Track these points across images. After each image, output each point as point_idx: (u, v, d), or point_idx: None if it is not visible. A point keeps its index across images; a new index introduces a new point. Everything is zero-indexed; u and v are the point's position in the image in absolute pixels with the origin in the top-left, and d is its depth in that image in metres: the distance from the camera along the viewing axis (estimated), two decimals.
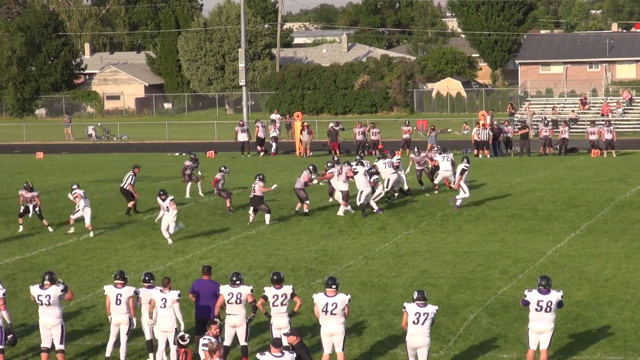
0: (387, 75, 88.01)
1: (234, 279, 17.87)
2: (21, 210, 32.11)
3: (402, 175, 36.01)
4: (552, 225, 30.73)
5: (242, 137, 56.25)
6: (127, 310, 18.10)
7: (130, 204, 34.13)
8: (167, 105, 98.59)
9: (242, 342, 17.93)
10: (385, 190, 35.26)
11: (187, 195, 38.12)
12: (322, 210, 34.15)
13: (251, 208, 32.29)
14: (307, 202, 33.38)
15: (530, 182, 40.62)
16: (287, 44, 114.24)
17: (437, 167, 36.76)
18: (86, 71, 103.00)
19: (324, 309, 17.04)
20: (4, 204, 37.66)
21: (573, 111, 66.03)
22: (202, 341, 16.28)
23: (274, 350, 14.76)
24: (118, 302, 18.09)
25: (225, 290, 17.84)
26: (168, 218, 29.06)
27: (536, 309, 17.07)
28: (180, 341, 16.44)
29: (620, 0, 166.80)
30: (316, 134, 59.77)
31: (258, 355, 14.82)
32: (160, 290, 17.87)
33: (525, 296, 17.22)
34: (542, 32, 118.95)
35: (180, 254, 27.70)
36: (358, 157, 37.06)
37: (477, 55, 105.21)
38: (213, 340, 15.87)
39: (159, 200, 29.86)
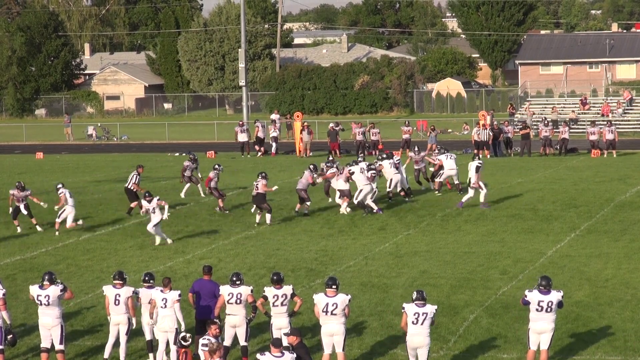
0: (387, 75, 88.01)
1: (234, 279, 17.87)
2: (10, 211, 32.22)
3: (404, 175, 36.03)
4: (552, 225, 30.73)
5: (242, 137, 56.26)
6: (125, 311, 18.10)
7: (133, 204, 34.13)
8: (167, 106, 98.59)
9: (242, 342, 17.93)
10: (387, 190, 35.33)
11: (182, 195, 38.10)
12: (322, 211, 34.15)
13: (254, 207, 32.29)
14: (308, 203, 33.36)
15: (530, 182, 40.62)
16: (287, 44, 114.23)
17: (441, 167, 36.65)
18: (86, 71, 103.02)
19: (324, 309, 17.04)
20: (4, 204, 37.64)
21: (573, 111, 66.04)
22: (201, 341, 16.28)
23: (274, 351, 14.76)
24: (117, 302, 18.09)
25: (225, 290, 17.84)
26: (154, 219, 28.70)
27: (537, 309, 17.07)
28: (182, 342, 16.43)
29: (620, 1, 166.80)
30: (316, 134, 59.76)
31: (258, 356, 14.82)
32: (161, 291, 17.87)
33: (525, 296, 17.22)
34: (542, 32, 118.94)
35: (180, 254, 27.70)
36: (359, 158, 37.04)
37: (477, 55, 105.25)
38: (213, 340, 15.87)
39: (144, 202, 28.83)
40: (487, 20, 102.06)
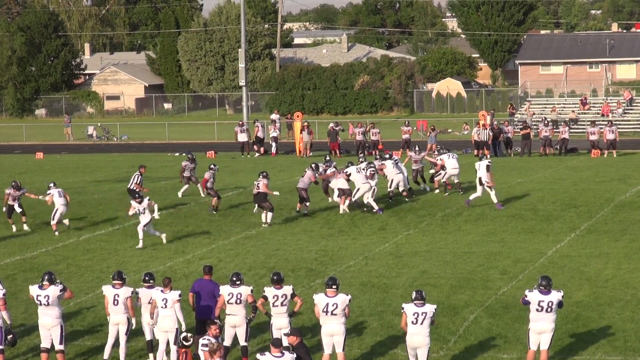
0: (387, 75, 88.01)
1: (234, 279, 17.86)
2: (4, 210, 32.30)
3: (405, 175, 36.05)
4: (552, 225, 30.73)
5: (242, 137, 56.27)
6: (125, 311, 18.09)
7: None
8: (167, 106, 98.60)
9: (242, 343, 17.92)
10: (388, 189, 35.36)
11: (180, 195, 38.10)
12: (322, 211, 34.14)
13: (256, 207, 32.23)
14: (307, 203, 33.34)
15: (530, 182, 40.62)
16: (287, 44, 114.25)
17: (442, 167, 36.59)
18: (86, 71, 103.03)
19: (325, 310, 17.04)
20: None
21: (573, 111, 66.03)
22: (201, 341, 16.28)
23: (274, 351, 14.76)
24: (115, 302, 18.09)
25: (225, 290, 17.83)
26: (144, 220, 28.57)
27: (537, 309, 17.07)
28: (184, 342, 16.42)
29: (620, 1, 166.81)
30: (316, 134, 59.75)
31: (258, 356, 14.82)
32: (161, 291, 17.87)
33: (525, 296, 17.21)
34: (542, 32, 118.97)
35: (180, 254, 27.70)
36: (360, 159, 37.04)
37: (477, 55, 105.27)
38: (213, 340, 15.87)
39: (134, 203, 28.64)
40: (487, 20, 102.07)
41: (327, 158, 35.97)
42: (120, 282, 18.19)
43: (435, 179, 37.47)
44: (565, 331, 19.32)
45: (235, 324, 17.82)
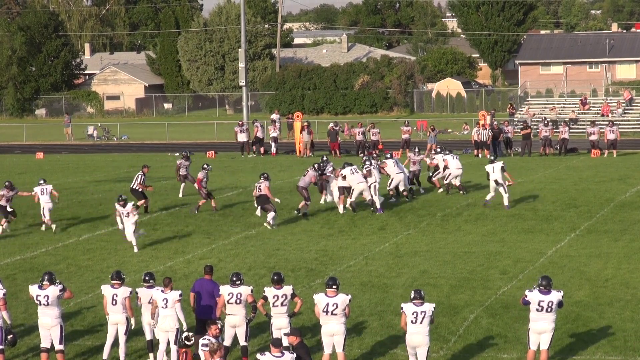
0: (387, 75, 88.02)
1: (234, 279, 17.86)
2: None
3: (407, 175, 36.06)
4: (552, 225, 30.73)
5: (242, 137, 56.28)
6: (123, 310, 18.09)
7: (140, 202, 34.23)
8: (167, 106, 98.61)
9: (242, 342, 17.92)
10: (388, 188, 35.37)
11: (180, 195, 38.11)
12: (322, 211, 34.13)
13: (258, 209, 32.16)
14: (308, 202, 33.29)
15: (530, 182, 40.62)
16: (287, 44, 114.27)
17: (446, 168, 36.56)
18: (86, 71, 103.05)
19: (325, 310, 17.04)
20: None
21: (573, 111, 66.04)
22: (202, 341, 16.27)
23: (274, 351, 14.76)
24: (114, 302, 18.09)
25: (225, 290, 17.83)
26: (128, 224, 28.44)
27: (537, 309, 17.07)
28: (185, 341, 16.41)
29: (620, 0, 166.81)
30: (316, 134, 59.74)
31: (258, 356, 14.82)
32: (162, 291, 17.86)
33: (525, 296, 17.21)
34: (542, 32, 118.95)
35: (180, 254, 27.70)
36: (364, 158, 37.02)
37: (477, 55, 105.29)
38: (213, 340, 15.86)
39: (117, 207, 28.74)
40: (487, 20, 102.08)
41: (325, 158, 35.88)
42: (118, 282, 18.19)
43: (434, 178, 37.47)
44: (565, 331, 19.32)
45: (235, 324, 17.82)
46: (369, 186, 33.13)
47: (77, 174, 48.39)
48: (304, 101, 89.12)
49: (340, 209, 33.29)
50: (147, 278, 18.35)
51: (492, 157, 35.02)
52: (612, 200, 34.88)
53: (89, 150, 64.11)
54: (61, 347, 17.90)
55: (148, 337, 18.36)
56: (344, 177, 33.07)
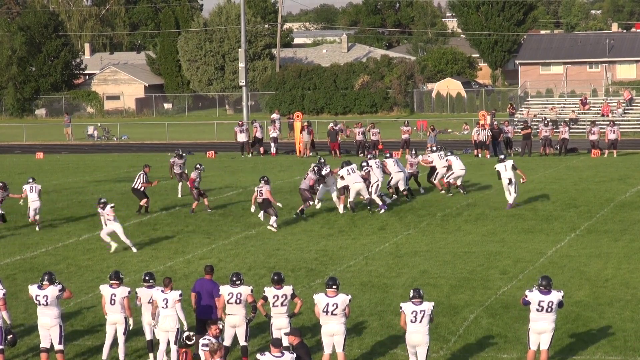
0: (387, 75, 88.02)
1: (234, 279, 17.87)
2: None
3: (407, 174, 36.06)
4: (552, 225, 30.73)
5: (242, 137, 56.27)
6: (121, 310, 18.09)
7: (142, 202, 34.26)
8: (167, 106, 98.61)
9: (242, 342, 17.92)
10: (387, 186, 35.39)
11: (179, 195, 38.10)
12: (322, 211, 34.12)
13: (261, 212, 32.08)
14: (310, 203, 33.21)
15: (530, 182, 40.56)
16: (287, 44, 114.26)
17: (449, 168, 36.53)
18: (86, 71, 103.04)
19: (325, 310, 17.04)
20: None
21: (573, 111, 66.03)
22: (202, 341, 16.27)
23: (274, 351, 14.76)
24: (112, 302, 18.10)
25: (225, 290, 17.83)
26: (111, 226, 28.15)
27: (537, 309, 17.06)
28: (187, 341, 16.42)
29: (620, 0, 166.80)
30: (316, 134, 59.72)
31: (258, 356, 14.82)
32: (162, 291, 17.86)
33: (525, 296, 17.21)
34: (542, 32, 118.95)
35: (180, 254, 27.70)
36: (369, 156, 37.02)
37: (477, 55, 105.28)
38: (214, 340, 15.86)
39: (99, 209, 28.49)
40: (487, 20, 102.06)
41: (322, 160, 35.75)
42: (117, 281, 18.19)
43: (435, 181, 37.46)
44: (565, 331, 19.32)
45: (235, 323, 17.82)
46: (372, 185, 33.18)
47: (77, 174, 48.38)
48: (304, 101, 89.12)
49: (340, 209, 33.31)
50: (147, 278, 18.35)
51: (502, 156, 34.89)
52: (612, 200, 34.88)
53: (89, 150, 64.10)
54: (61, 347, 17.90)
55: (148, 337, 18.36)
56: (342, 177, 33.07)
